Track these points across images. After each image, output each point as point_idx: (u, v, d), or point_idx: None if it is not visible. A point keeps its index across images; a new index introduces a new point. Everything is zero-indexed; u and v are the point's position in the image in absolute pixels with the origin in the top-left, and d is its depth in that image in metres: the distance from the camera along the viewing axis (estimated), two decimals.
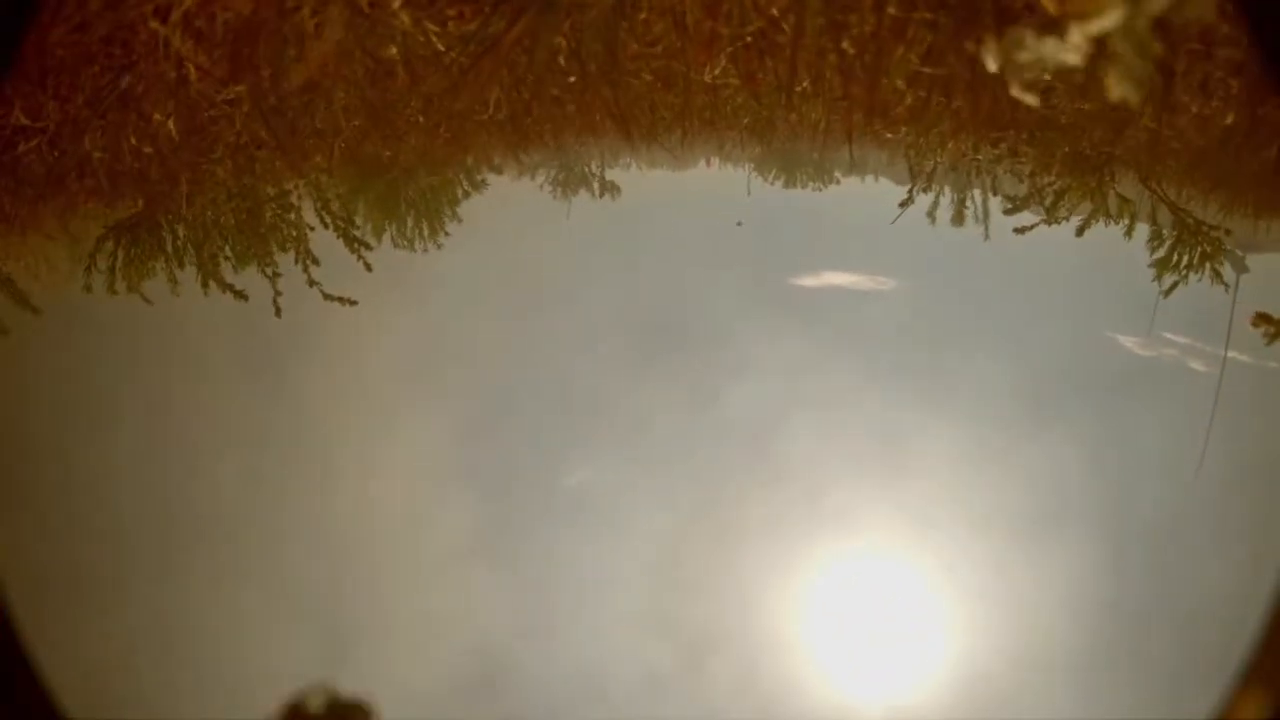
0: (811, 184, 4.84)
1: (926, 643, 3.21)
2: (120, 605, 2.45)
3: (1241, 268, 3.26)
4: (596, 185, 5.01)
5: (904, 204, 4.09)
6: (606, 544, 3.34)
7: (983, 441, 3.69)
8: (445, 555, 3.08)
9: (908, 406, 3.87)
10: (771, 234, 4.50)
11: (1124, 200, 3.64)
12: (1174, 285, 3.23)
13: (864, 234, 4.40)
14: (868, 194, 4.54)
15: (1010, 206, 3.76)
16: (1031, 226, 3.66)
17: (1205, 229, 3.46)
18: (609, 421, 3.95)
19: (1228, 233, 3.32)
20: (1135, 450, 3.28)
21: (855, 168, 4.89)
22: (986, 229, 3.96)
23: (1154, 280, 3.50)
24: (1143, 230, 3.59)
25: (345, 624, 2.73)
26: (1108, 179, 3.59)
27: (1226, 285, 3.37)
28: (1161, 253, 3.58)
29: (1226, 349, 3.34)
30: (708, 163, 4.82)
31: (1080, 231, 3.65)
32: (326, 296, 3.82)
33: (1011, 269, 3.86)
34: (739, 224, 4.02)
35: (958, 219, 4.07)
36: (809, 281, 4.51)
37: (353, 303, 3.84)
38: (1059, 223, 3.57)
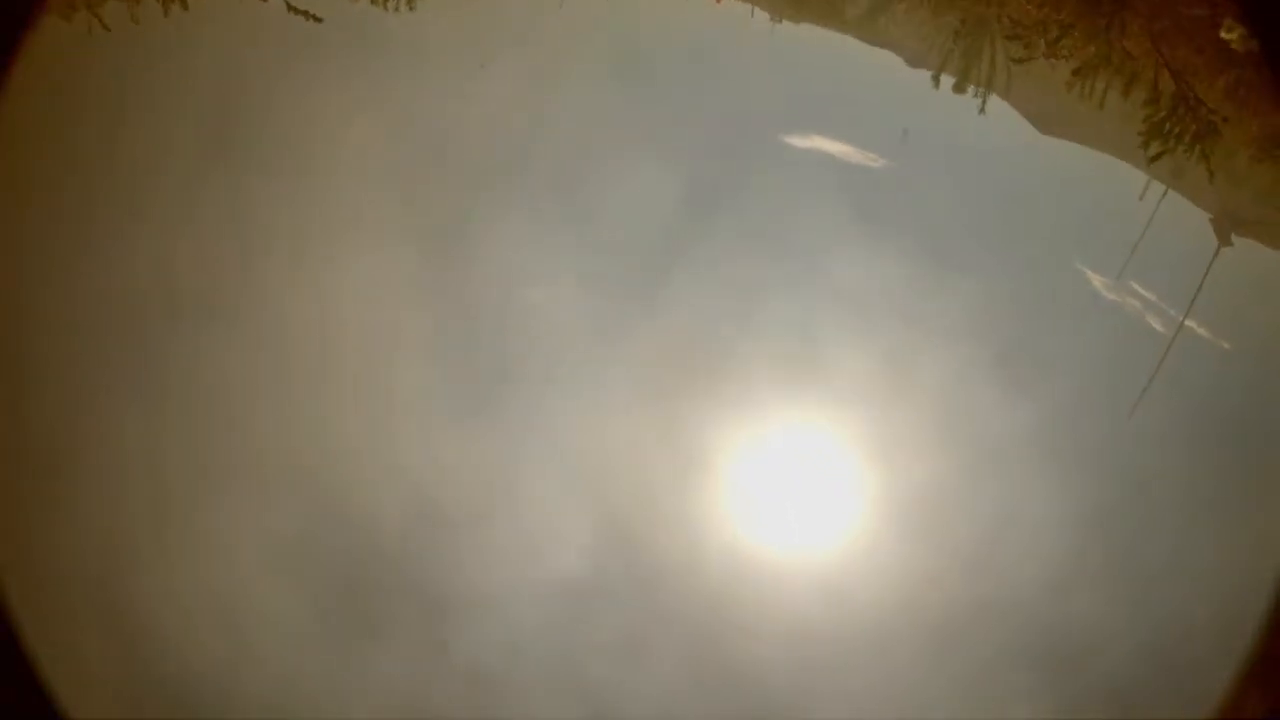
0: (820, 22, 4.59)
1: (855, 519, 3.38)
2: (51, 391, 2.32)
3: (1226, 241, 3.28)
4: None
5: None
6: (557, 378, 3.33)
7: (926, 340, 3.77)
8: (398, 385, 3.01)
9: (864, 289, 3.90)
10: (768, 82, 4.31)
11: (1129, 55, 3.49)
12: (1159, 154, 3.14)
13: (864, 105, 4.25)
14: (874, 65, 4.35)
15: (1013, 32, 3.60)
16: (1030, 58, 3.52)
17: (1205, 109, 3.37)
18: (575, 228, 3.84)
19: (1225, 120, 3.24)
20: (1068, 386, 3.41)
21: (868, 16, 4.63)
22: (984, 101, 3.82)
23: (1141, 146, 3.35)
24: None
25: (288, 451, 2.67)
26: (1116, 25, 3.45)
27: (1212, 174, 3.30)
28: (1157, 117, 3.45)
29: (1187, 312, 3.43)
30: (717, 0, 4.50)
31: (1076, 72, 3.51)
32: (291, 9, 3.50)
33: (1002, 177, 3.82)
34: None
35: (960, 86, 3.91)
36: (797, 141, 4.38)
37: (317, 19, 3.53)
38: (1059, 58, 3.42)
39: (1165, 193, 3.39)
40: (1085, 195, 3.66)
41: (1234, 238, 3.35)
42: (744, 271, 3.78)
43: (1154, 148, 3.03)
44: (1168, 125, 3.10)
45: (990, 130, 3.84)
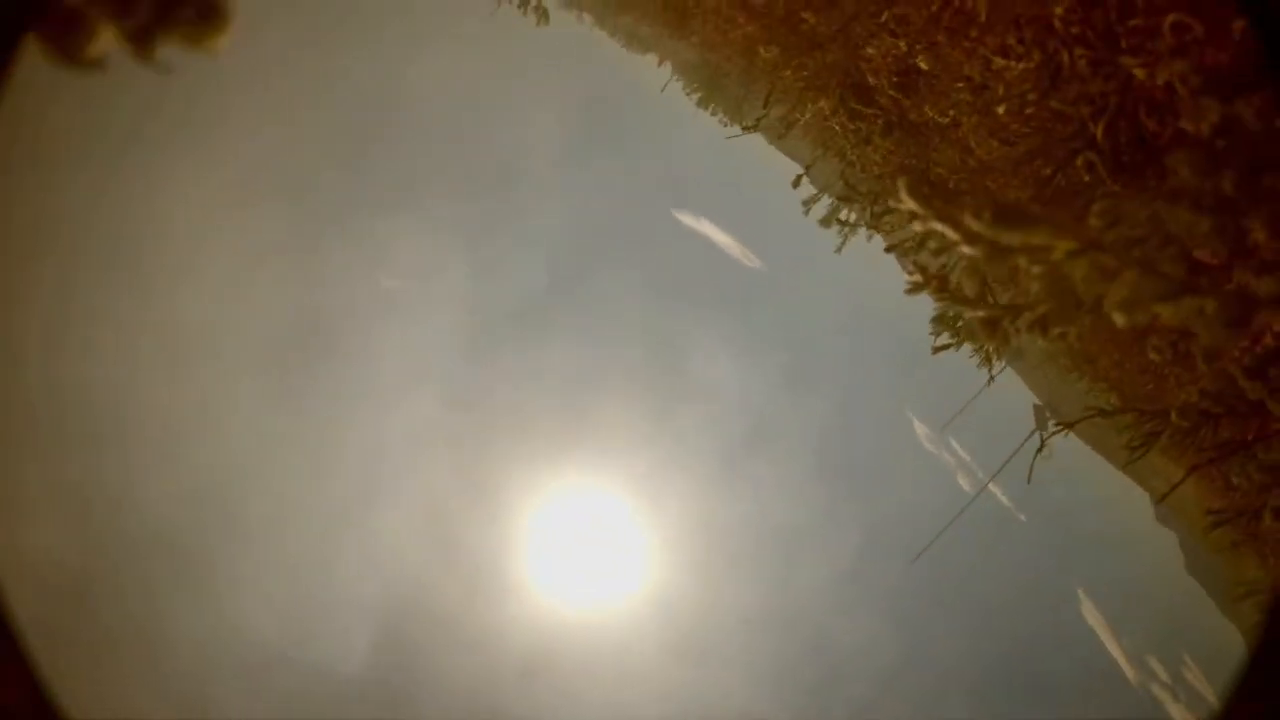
0: (721, 115, 4.64)
1: (635, 567, 3.38)
2: None
3: (1042, 426, 3.48)
4: (534, 16, 4.62)
5: (749, 128, 3.94)
6: (380, 391, 3.24)
7: (739, 453, 3.84)
8: (220, 365, 2.87)
9: (714, 388, 3.96)
10: (681, 156, 4.38)
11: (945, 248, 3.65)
12: (943, 348, 3.18)
13: (761, 207, 4.36)
14: (784, 172, 4.44)
15: (846, 195, 3.71)
16: (849, 223, 3.58)
17: (1002, 325, 3.52)
18: (462, 242, 3.74)
19: (1019, 331, 3.37)
20: (873, 521, 3.56)
21: (776, 126, 4.71)
22: (843, 241, 3.92)
23: (931, 332, 3.42)
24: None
25: (81, 406, 2.50)
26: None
27: (992, 377, 3.38)
28: (951, 314, 3.58)
29: (990, 480, 3.62)
30: (659, 63, 4.55)
31: (888, 250, 3.63)
32: None
33: (865, 310, 3.98)
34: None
35: (828, 221, 4.00)
36: (687, 219, 4.46)
37: None
38: (878, 230, 3.50)
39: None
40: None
41: (1052, 426, 3.55)
42: (602, 345, 3.81)
43: (942, 339, 3.05)
44: (959, 322, 3.19)
45: (864, 266, 3.99)
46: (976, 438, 3.79)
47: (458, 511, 3.23)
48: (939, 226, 0.55)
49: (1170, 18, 0.79)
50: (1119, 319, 0.53)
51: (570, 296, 3.91)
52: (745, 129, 3.51)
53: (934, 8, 1.46)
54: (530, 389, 3.61)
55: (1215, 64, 0.77)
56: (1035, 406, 3.47)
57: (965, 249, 0.55)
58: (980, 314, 0.61)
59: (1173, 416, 1.24)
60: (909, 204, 0.56)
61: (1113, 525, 3.71)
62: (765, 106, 3.39)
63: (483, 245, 3.98)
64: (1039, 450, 3.11)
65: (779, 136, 3.68)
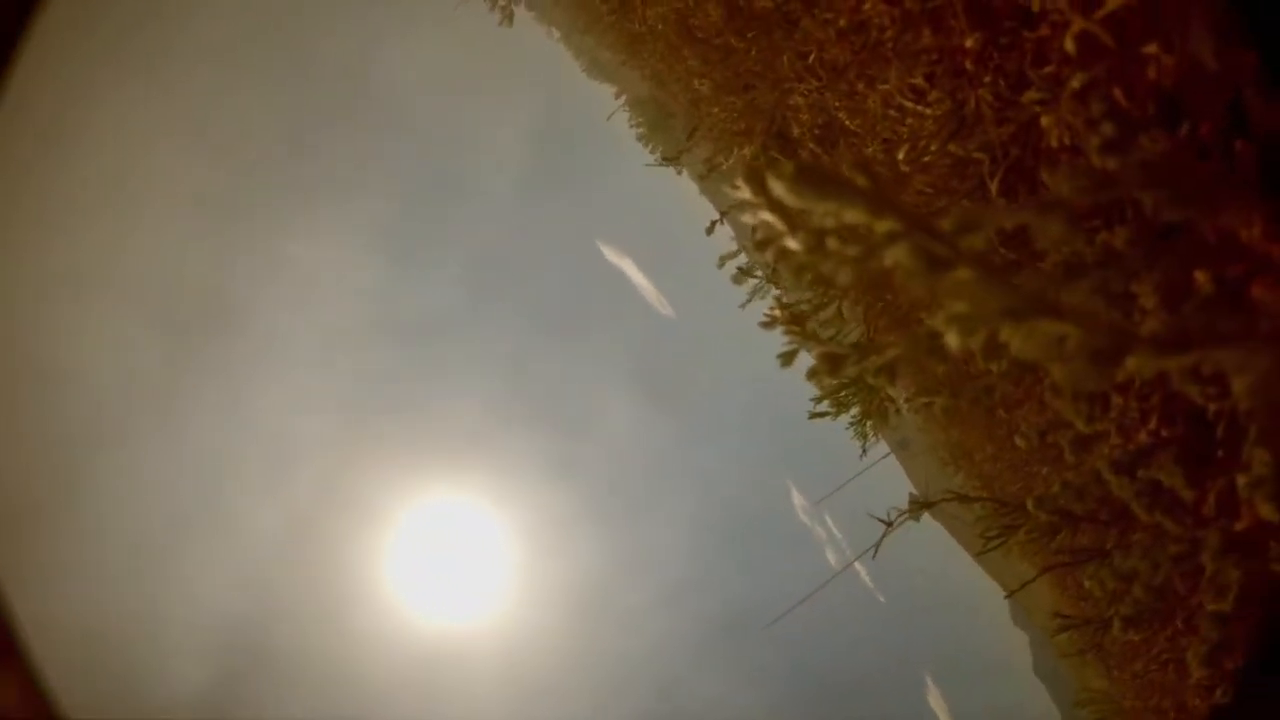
0: (659, 153, 4.58)
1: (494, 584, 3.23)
2: None
3: (914, 515, 3.47)
4: (499, 14, 4.51)
5: (670, 159, 3.90)
6: (267, 369, 3.04)
7: (618, 498, 3.75)
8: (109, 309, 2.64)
9: (611, 437, 3.85)
10: (619, 192, 4.30)
11: (841, 315, 3.63)
12: (820, 415, 3.15)
13: (687, 258, 4.29)
14: (717, 233, 4.37)
15: (758, 239, 3.66)
16: (762, 278, 3.55)
17: (882, 396, 3.50)
18: (379, 240, 3.57)
19: (898, 412, 3.34)
20: (739, 585, 3.49)
21: (699, 167, 4.69)
22: (749, 298, 3.86)
23: (813, 402, 3.38)
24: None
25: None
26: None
27: (864, 451, 3.33)
28: (833, 383, 3.58)
29: (855, 559, 3.59)
30: (615, 96, 4.48)
31: (785, 306, 3.60)
32: None
33: (765, 373, 3.93)
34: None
35: (741, 279, 3.95)
36: (609, 254, 4.38)
37: None
38: (776, 285, 3.47)
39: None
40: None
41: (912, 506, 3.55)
42: (499, 371, 3.68)
43: (822, 405, 3.03)
44: (844, 393, 3.19)
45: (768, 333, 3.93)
46: (851, 516, 3.75)
47: (322, 518, 3.05)
48: (768, 216, 0.47)
49: (1076, 25, 0.73)
50: (952, 338, 0.45)
51: (478, 318, 3.78)
52: (666, 160, 3.45)
53: (841, 24, 1.41)
54: (418, 404, 3.46)
55: (1123, 103, 0.71)
56: (910, 495, 3.45)
57: (790, 242, 0.47)
58: (820, 349, 0.53)
59: (1029, 505, 1.19)
60: (743, 191, 0.47)
61: (969, 618, 3.72)
62: (689, 139, 3.34)
63: (405, 249, 3.82)
64: (890, 527, 3.08)
65: (700, 177, 3.64)
